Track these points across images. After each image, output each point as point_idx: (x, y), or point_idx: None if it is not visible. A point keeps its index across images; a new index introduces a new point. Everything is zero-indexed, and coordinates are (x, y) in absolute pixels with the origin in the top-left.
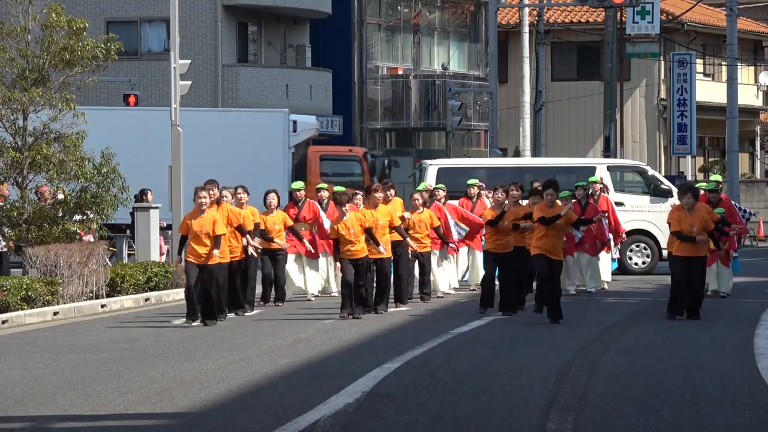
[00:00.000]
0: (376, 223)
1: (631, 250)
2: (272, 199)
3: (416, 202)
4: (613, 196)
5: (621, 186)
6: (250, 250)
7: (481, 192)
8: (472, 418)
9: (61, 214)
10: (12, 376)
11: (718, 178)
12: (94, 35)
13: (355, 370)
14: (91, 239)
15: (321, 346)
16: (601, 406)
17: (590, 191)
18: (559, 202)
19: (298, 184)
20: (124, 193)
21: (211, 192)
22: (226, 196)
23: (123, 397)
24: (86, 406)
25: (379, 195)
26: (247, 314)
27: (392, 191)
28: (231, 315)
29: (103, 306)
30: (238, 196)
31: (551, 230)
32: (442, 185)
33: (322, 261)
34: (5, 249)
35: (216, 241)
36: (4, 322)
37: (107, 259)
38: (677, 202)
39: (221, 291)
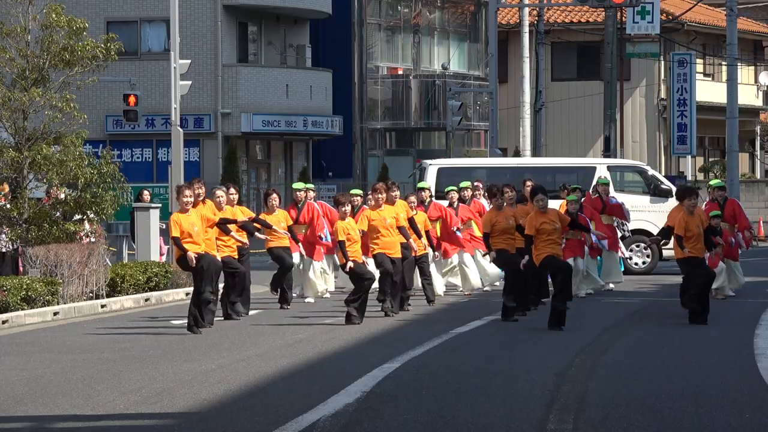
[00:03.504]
0: (383, 222)
1: (631, 250)
2: (273, 200)
3: (411, 204)
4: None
5: (621, 186)
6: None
7: (477, 193)
8: (472, 418)
9: (61, 215)
10: (12, 376)
11: (718, 182)
12: (94, 35)
13: (355, 370)
14: (92, 240)
15: (321, 346)
16: (601, 406)
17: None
18: (561, 203)
19: (300, 185)
20: (124, 194)
21: (197, 191)
22: (220, 196)
23: (123, 397)
24: (86, 406)
25: (382, 196)
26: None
27: (397, 192)
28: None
29: (103, 306)
30: (230, 196)
31: (549, 237)
32: (427, 184)
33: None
34: (5, 249)
35: (224, 229)
36: (4, 322)
37: (107, 259)
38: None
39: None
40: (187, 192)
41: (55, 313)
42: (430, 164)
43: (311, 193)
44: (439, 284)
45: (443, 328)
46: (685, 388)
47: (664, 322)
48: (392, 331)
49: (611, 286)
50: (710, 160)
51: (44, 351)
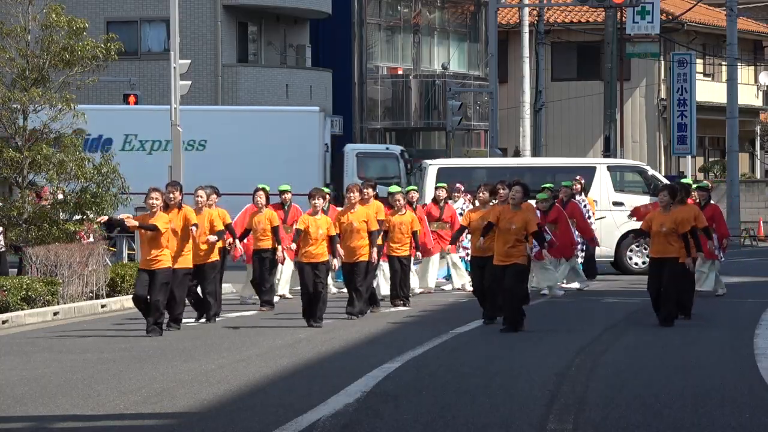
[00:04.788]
0: (350, 225)
1: (631, 250)
2: (260, 197)
3: (398, 203)
4: (613, 196)
5: (621, 186)
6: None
7: (454, 195)
8: (472, 417)
9: (61, 215)
10: (12, 376)
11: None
12: (94, 35)
13: (355, 370)
14: (92, 240)
15: (321, 346)
16: (601, 406)
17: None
18: (532, 203)
19: (286, 186)
20: (124, 194)
21: (172, 195)
22: (200, 196)
23: (123, 397)
24: (86, 406)
25: (354, 195)
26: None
27: (370, 191)
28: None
29: (103, 306)
30: (210, 199)
31: (504, 236)
32: (415, 187)
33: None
34: (5, 249)
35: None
36: (4, 322)
37: (107, 259)
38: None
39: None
40: (154, 195)
41: (55, 313)
42: (430, 164)
43: (288, 195)
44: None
45: (443, 328)
46: (685, 388)
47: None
48: (392, 332)
49: (559, 292)
50: (710, 160)
51: (44, 351)
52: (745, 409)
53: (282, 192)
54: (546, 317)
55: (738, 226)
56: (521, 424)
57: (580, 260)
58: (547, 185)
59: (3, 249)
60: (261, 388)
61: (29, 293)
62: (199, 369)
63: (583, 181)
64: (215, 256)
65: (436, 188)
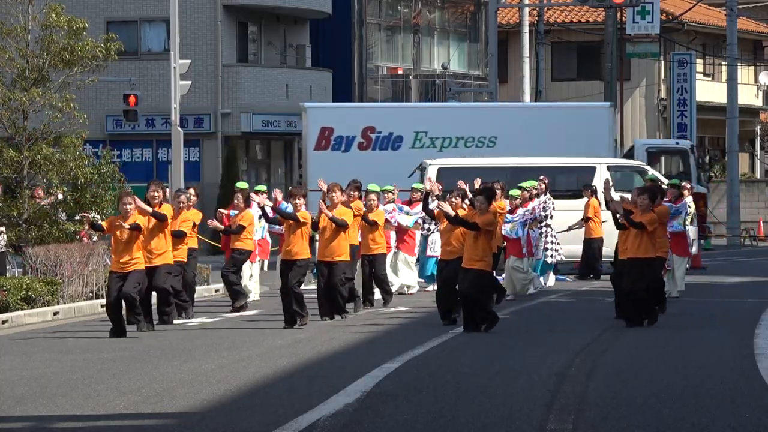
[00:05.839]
0: (330, 225)
1: None
2: (237, 198)
3: (371, 202)
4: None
5: (621, 186)
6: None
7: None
8: (472, 417)
9: (61, 215)
10: (12, 376)
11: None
12: (94, 35)
13: (355, 370)
14: (95, 238)
15: (321, 347)
16: (601, 406)
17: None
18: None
19: (261, 187)
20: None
21: (155, 193)
22: (183, 202)
23: (123, 397)
24: (86, 406)
25: (337, 195)
26: (180, 322)
27: (355, 193)
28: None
29: (103, 306)
30: (189, 197)
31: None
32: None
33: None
34: (4, 249)
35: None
36: (4, 322)
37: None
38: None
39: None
40: (127, 199)
41: (55, 313)
42: (430, 164)
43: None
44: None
45: (443, 328)
46: (685, 388)
47: (664, 322)
48: (392, 332)
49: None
50: (708, 159)
51: (44, 351)
52: (745, 409)
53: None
54: (546, 317)
55: (738, 226)
56: (521, 424)
57: (550, 260)
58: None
59: (3, 249)
60: (261, 388)
61: (29, 293)
62: (199, 369)
63: (546, 181)
64: (181, 257)
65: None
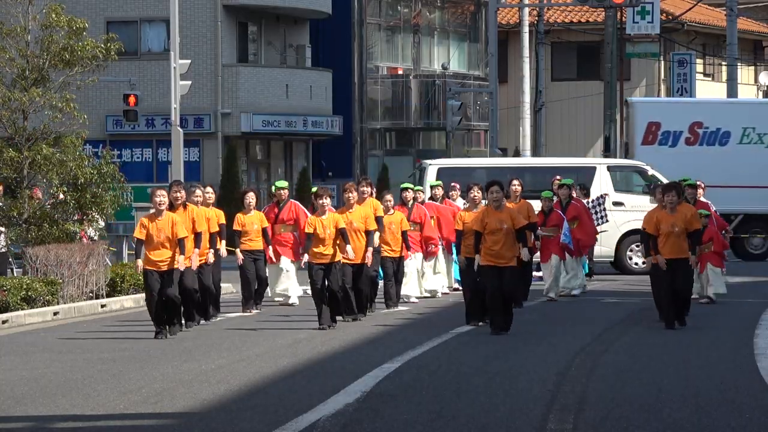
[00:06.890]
0: (350, 225)
1: (631, 250)
2: (250, 198)
3: (388, 203)
4: (613, 196)
5: (621, 186)
6: (210, 257)
7: (452, 193)
8: (472, 417)
9: (61, 215)
10: (12, 376)
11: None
12: (94, 35)
13: (355, 370)
14: (95, 238)
15: (321, 346)
16: (601, 406)
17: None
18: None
19: (282, 183)
20: (124, 194)
21: (177, 194)
22: (198, 196)
23: (123, 397)
24: (86, 406)
25: (353, 195)
26: (199, 324)
27: (367, 189)
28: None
29: (103, 306)
30: (207, 195)
31: (494, 236)
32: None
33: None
34: (5, 249)
35: (180, 244)
36: (4, 322)
37: (107, 259)
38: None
39: (189, 296)
40: (160, 192)
41: (55, 313)
42: (430, 164)
43: (285, 192)
44: (437, 283)
45: (443, 328)
46: (685, 388)
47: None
48: (392, 332)
49: (575, 292)
50: None
51: (44, 351)
52: (745, 409)
53: (279, 189)
54: (546, 317)
55: None
56: (521, 424)
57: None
58: (566, 182)
59: (4, 249)
60: (261, 388)
61: (29, 293)
62: (199, 369)
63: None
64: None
65: (402, 189)
